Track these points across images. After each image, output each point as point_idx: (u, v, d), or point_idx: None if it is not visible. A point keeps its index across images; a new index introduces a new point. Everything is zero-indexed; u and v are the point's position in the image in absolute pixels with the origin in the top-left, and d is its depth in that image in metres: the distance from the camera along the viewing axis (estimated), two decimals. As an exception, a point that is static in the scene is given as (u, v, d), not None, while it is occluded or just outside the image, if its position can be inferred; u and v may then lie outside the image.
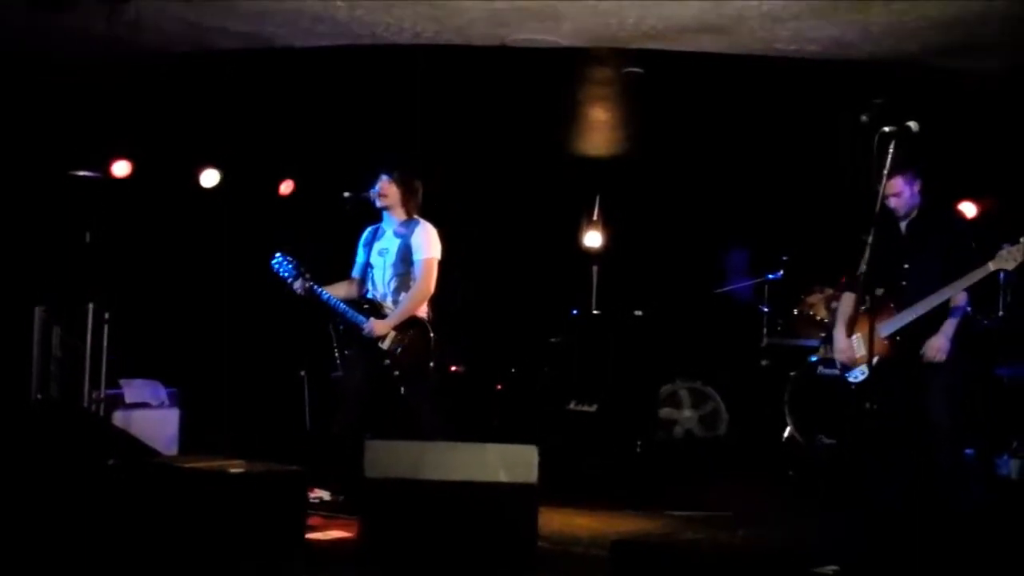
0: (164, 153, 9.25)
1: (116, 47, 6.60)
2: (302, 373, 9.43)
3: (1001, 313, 8.30)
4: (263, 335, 9.63)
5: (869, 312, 5.64)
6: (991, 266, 5.70)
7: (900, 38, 6.21)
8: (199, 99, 8.28)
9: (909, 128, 5.22)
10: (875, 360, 5.68)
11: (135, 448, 6.93)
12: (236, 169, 9.69)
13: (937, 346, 5.88)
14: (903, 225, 6.18)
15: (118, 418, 8.00)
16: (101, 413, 8.02)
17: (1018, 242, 5.65)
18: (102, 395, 8.12)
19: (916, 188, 6.08)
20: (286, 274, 6.82)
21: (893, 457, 6.01)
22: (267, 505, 5.37)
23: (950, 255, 5.93)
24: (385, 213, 6.94)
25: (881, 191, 5.42)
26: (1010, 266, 5.67)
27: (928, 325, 5.93)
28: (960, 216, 6.50)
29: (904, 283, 6.07)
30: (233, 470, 5.47)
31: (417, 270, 6.80)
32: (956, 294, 5.88)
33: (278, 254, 6.86)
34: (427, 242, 6.83)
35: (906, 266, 6.09)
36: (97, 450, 6.48)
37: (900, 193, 6.01)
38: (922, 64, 6.67)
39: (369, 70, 7.53)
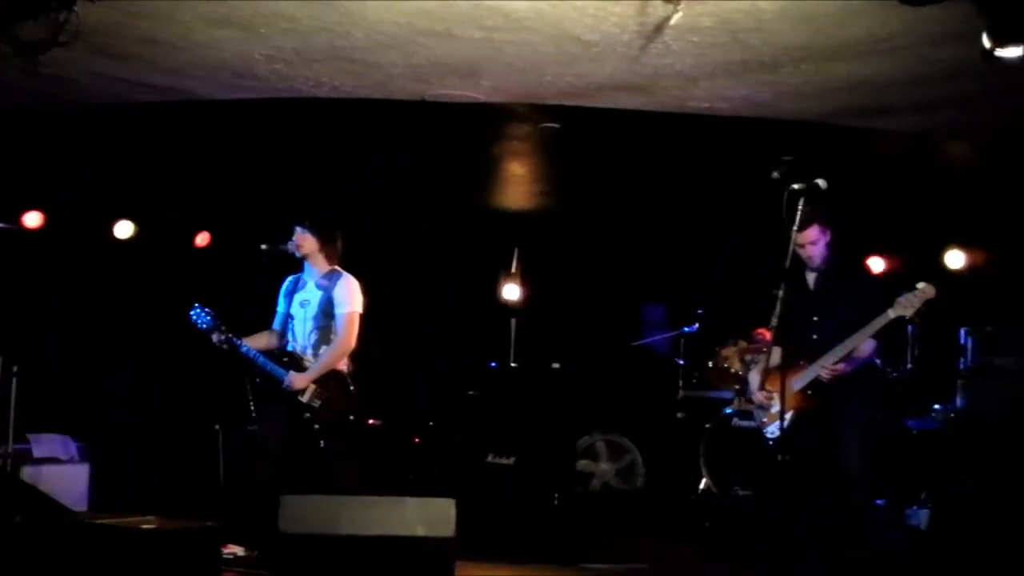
0: (77, 204, 9.14)
1: (32, 100, 6.53)
2: (216, 427, 9.30)
3: (909, 365, 8.48)
4: (177, 388, 9.50)
5: (780, 367, 5.77)
6: (891, 313, 5.78)
7: (809, 98, 6.38)
8: (113, 150, 8.21)
9: (818, 186, 5.36)
10: (789, 414, 5.75)
11: (44, 504, 6.76)
12: (151, 220, 9.60)
13: (832, 368, 5.94)
14: (811, 279, 6.27)
15: (26, 473, 7.81)
16: (8, 468, 7.83)
17: (915, 289, 5.77)
18: (9, 450, 7.93)
19: (828, 239, 6.17)
20: (204, 325, 6.74)
21: (808, 506, 6.05)
22: (180, 562, 5.29)
23: (861, 307, 5.99)
24: (306, 264, 6.91)
25: (793, 242, 5.54)
26: (908, 313, 5.75)
27: (838, 376, 5.99)
28: (867, 269, 6.63)
29: (815, 336, 6.12)
30: (145, 526, 5.39)
31: (339, 324, 6.76)
32: (862, 344, 5.96)
33: (196, 306, 6.78)
34: (349, 295, 6.80)
35: (815, 319, 6.15)
36: (4, 507, 6.32)
37: (816, 241, 6.10)
38: (831, 124, 6.85)
39: (287, 122, 7.54)
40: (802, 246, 6.02)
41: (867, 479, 6.12)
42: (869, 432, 6.13)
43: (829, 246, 6.19)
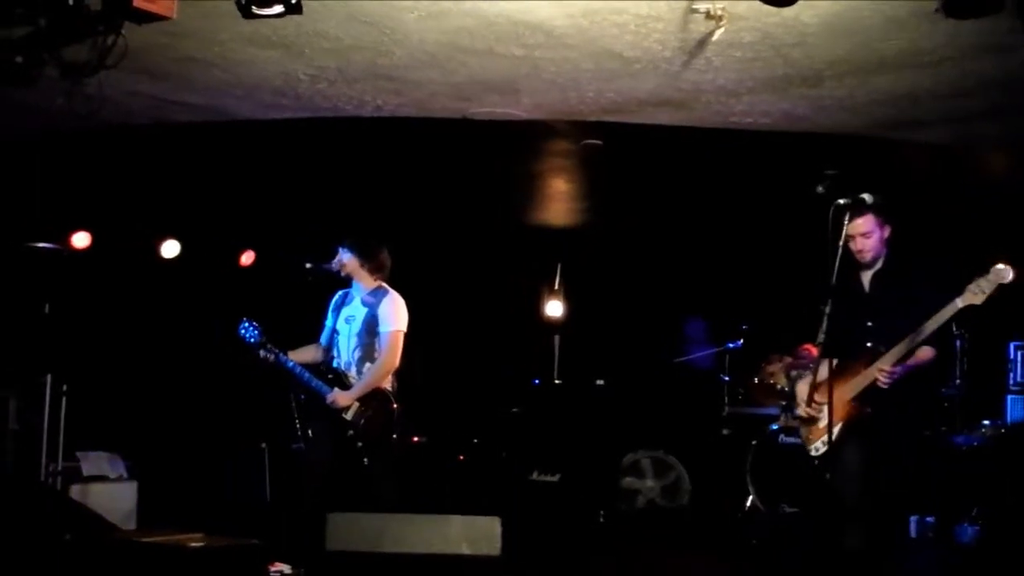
0: (124, 224, 9.24)
1: (76, 121, 6.61)
2: (263, 445, 9.36)
3: (958, 381, 8.39)
4: (223, 406, 9.56)
5: (830, 378, 5.36)
6: (959, 302, 5.28)
7: (851, 112, 6.33)
8: (159, 170, 8.30)
9: (863, 200, 5.29)
10: (838, 427, 5.41)
11: (92, 522, 6.84)
12: (196, 240, 9.69)
13: (890, 370, 5.50)
14: (867, 279, 5.82)
15: (75, 491, 7.89)
16: (58, 486, 7.91)
17: (987, 272, 5.25)
18: (59, 468, 8.02)
19: (885, 234, 5.76)
20: (251, 340, 6.80)
21: (850, 524, 5.68)
22: (227, 580, 5.32)
23: (920, 301, 5.50)
24: (354, 279, 6.95)
25: (844, 233, 5.31)
26: (979, 300, 5.22)
27: (891, 387, 5.54)
28: (923, 261, 5.95)
29: (869, 344, 5.67)
30: (192, 544, 5.44)
31: (383, 342, 6.77)
32: (920, 350, 5.51)
33: (243, 320, 6.84)
34: (394, 314, 6.80)
35: (869, 324, 5.70)
36: (54, 525, 6.39)
37: (869, 233, 5.67)
38: (872, 136, 6.81)
39: (330, 140, 7.59)
40: (853, 237, 5.61)
41: (898, 499, 5.76)
42: (913, 452, 5.77)
43: (885, 243, 5.75)
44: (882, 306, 5.70)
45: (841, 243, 5.39)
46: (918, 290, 5.59)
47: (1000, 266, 5.22)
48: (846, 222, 5.36)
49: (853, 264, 5.78)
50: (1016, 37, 4.86)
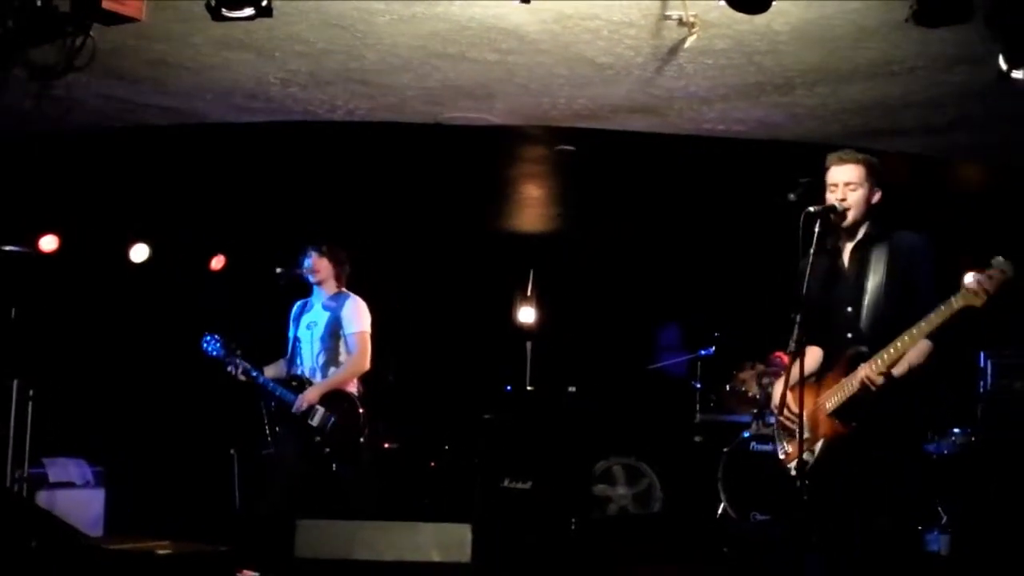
0: (93, 228, 9.17)
1: (46, 123, 6.56)
2: (232, 451, 9.30)
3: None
4: (192, 412, 9.50)
5: (815, 377, 4.62)
6: (955, 303, 4.25)
7: (824, 120, 6.36)
8: (128, 173, 8.24)
9: (835, 207, 5.18)
10: (819, 445, 4.58)
11: (59, 529, 6.77)
12: (166, 244, 9.62)
13: (875, 377, 4.41)
14: (846, 254, 4.75)
15: (41, 498, 7.83)
16: (24, 493, 7.83)
17: (988, 267, 4.23)
18: (25, 474, 7.94)
19: (873, 198, 4.68)
20: (216, 353, 6.77)
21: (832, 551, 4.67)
22: (194, 587, 5.28)
23: (904, 285, 4.57)
24: (316, 287, 6.94)
25: (827, 183, 4.65)
26: (979, 302, 4.18)
27: (880, 395, 4.45)
28: (914, 234, 4.71)
29: (849, 335, 4.63)
30: (160, 551, 5.39)
31: (351, 344, 6.77)
32: (913, 351, 4.39)
33: (205, 335, 6.81)
34: (357, 316, 6.82)
35: (849, 310, 4.67)
36: (19, 531, 6.32)
37: (855, 185, 4.63)
38: (845, 145, 6.82)
39: (301, 144, 7.56)
40: (835, 186, 4.66)
41: (908, 522, 4.76)
42: (916, 466, 4.73)
43: (870, 210, 4.69)
44: (862, 287, 4.65)
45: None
46: (903, 266, 4.61)
47: (999, 260, 4.26)
48: (816, 231, 4.81)
49: (831, 241, 4.74)
50: (986, 47, 4.87)
